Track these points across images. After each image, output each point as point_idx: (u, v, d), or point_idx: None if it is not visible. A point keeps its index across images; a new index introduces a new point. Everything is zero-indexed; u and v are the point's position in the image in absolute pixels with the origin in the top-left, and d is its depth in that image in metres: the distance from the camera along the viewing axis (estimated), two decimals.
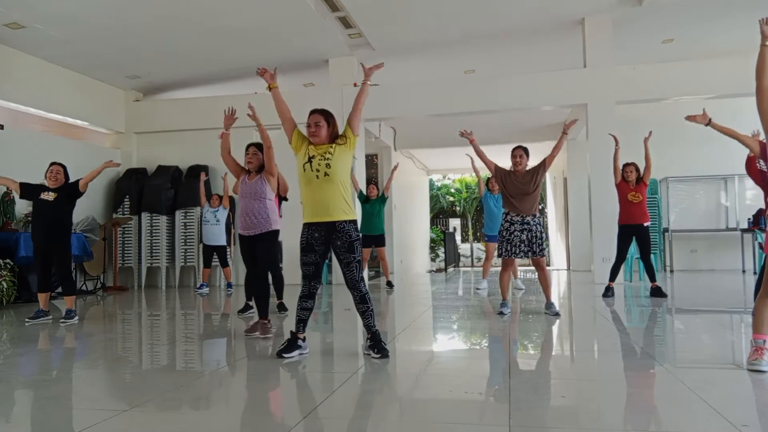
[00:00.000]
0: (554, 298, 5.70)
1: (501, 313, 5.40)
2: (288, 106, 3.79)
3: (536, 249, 5.31)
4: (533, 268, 5.74)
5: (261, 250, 4.64)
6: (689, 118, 4.64)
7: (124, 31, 8.02)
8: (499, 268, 5.67)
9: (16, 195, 7.74)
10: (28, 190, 5.61)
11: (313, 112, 3.68)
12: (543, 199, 17.82)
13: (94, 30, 7.91)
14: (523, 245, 5.31)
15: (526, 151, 5.46)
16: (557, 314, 5.32)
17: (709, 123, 4.58)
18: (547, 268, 6.21)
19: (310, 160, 3.58)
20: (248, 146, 4.70)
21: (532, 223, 5.33)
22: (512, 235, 5.33)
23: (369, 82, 3.74)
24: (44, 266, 5.62)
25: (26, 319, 5.54)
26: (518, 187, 5.33)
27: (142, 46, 8.59)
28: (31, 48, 8.32)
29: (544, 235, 5.49)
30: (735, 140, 4.38)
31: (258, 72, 3.85)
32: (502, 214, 5.58)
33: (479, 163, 6.05)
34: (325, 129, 3.63)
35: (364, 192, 8.64)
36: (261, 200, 4.54)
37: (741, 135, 4.41)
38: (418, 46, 9.29)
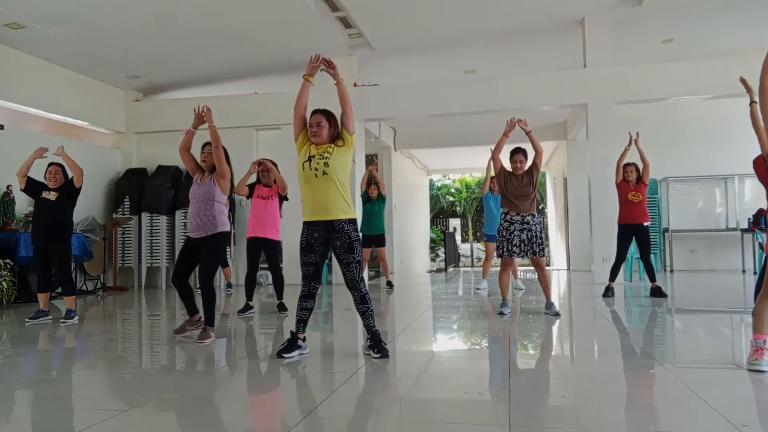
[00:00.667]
0: (554, 298, 5.71)
1: (501, 313, 5.40)
2: (307, 106, 3.77)
3: (536, 249, 5.31)
4: (533, 268, 5.74)
5: (204, 254, 4.44)
6: (743, 80, 4.59)
7: (124, 31, 8.02)
8: (496, 268, 5.66)
9: (16, 193, 7.77)
10: (32, 186, 5.59)
11: (315, 111, 3.71)
12: (543, 199, 17.82)
13: (94, 30, 7.91)
14: (522, 245, 5.31)
15: (525, 154, 5.46)
16: (557, 314, 5.32)
17: (751, 103, 4.57)
18: (547, 268, 6.21)
19: (309, 159, 3.61)
20: (204, 145, 4.56)
21: (531, 222, 5.33)
22: (512, 235, 5.33)
23: (341, 80, 3.73)
24: (44, 266, 5.62)
25: (26, 319, 5.54)
26: (518, 189, 5.35)
27: (142, 46, 8.59)
28: (31, 48, 8.32)
29: (543, 234, 5.48)
30: (755, 131, 4.35)
31: (312, 56, 3.73)
32: (500, 214, 5.58)
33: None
34: (326, 129, 3.65)
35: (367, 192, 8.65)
36: (209, 202, 4.43)
37: (762, 129, 4.39)
38: (418, 46, 9.29)
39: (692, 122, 10.80)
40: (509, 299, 5.62)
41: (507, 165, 5.57)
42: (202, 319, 4.51)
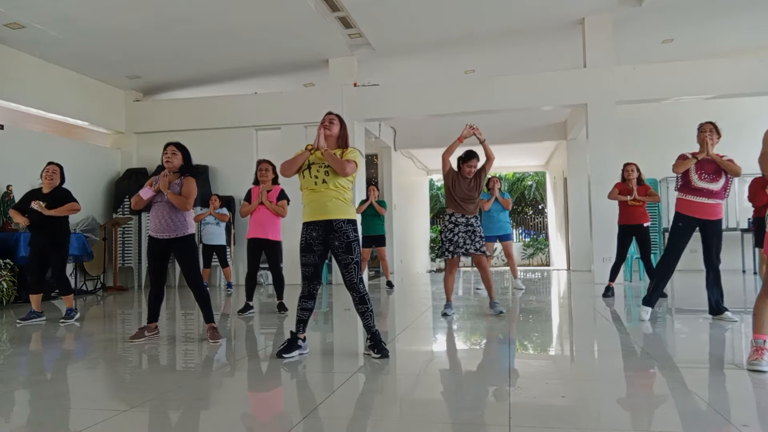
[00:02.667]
0: (554, 298, 5.70)
1: (445, 315, 5.45)
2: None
3: (477, 246, 5.36)
4: (533, 268, 5.73)
5: (182, 257, 4.44)
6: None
7: (124, 31, 8.02)
8: (498, 268, 5.64)
9: (16, 193, 7.77)
10: (23, 209, 5.52)
11: (330, 113, 3.84)
12: (543, 199, 17.81)
13: (94, 30, 7.91)
14: (465, 244, 5.37)
15: (479, 159, 5.49)
16: (501, 312, 5.35)
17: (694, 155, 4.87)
18: (547, 268, 6.20)
19: (309, 166, 3.67)
20: (167, 145, 4.56)
21: (475, 224, 5.42)
22: (456, 236, 5.40)
23: (325, 149, 3.62)
24: (38, 269, 5.58)
25: (17, 320, 5.51)
26: (466, 192, 5.42)
27: (142, 46, 8.59)
28: (31, 48, 8.32)
29: (483, 234, 5.50)
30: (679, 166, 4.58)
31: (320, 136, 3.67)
32: (445, 216, 5.60)
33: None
34: (337, 127, 3.76)
35: (364, 197, 8.66)
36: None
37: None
38: (418, 46, 9.29)
39: (692, 122, 10.74)
40: (452, 300, 5.65)
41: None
42: (158, 327, 4.61)
